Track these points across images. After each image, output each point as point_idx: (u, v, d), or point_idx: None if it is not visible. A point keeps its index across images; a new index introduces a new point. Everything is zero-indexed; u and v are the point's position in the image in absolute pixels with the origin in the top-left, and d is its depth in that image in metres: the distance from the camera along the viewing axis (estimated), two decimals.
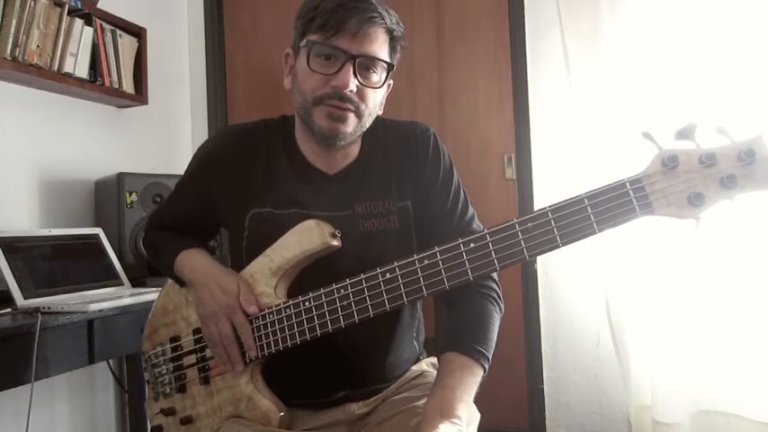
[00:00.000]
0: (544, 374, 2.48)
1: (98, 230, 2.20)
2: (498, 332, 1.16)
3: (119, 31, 2.46)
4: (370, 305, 1.05)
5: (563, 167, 2.43)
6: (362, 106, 1.13)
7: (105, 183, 2.39)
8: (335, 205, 1.19)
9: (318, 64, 1.11)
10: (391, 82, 1.21)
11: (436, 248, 1.02)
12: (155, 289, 1.95)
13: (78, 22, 2.25)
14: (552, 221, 0.94)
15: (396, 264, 1.04)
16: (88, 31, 2.30)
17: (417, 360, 1.33)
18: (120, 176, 2.30)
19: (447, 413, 1.02)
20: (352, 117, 1.13)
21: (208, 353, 1.21)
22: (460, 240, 1.01)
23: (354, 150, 1.23)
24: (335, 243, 1.11)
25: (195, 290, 1.20)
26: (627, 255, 2.16)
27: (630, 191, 0.90)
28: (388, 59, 1.14)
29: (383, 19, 1.11)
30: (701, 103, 2.04)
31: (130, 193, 2.30)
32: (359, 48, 1.09)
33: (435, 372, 1.26)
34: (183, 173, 1.35)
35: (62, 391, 2.32)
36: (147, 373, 1.29)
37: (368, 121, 1.17)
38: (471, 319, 1.16)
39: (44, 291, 1.86)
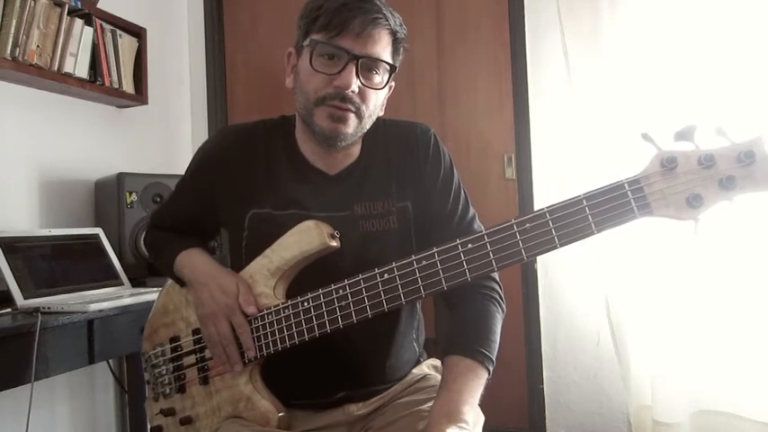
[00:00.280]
0: (544, 374, 2.48)
1: (98, 230, 2.20)
2: None
3: (119, 31, 2.46)
4: (368, 306, 1.05)
5: (563, 167, 2.43)
6: (363, 107, 1.13)
7: (105, 183, 2.39)
8: (335, 206, 1.19)
9: (321, 64, 1.11)
10: (393, 83, 1.21)
11: (434, 249, 1.02)
12: (155, 289, 1.95)
13: (78, 22, 2.25)
14: (550, 222, 0.94)
15: (394, 264, 1.04)
16: (88, 31, 2.30)
17: (418, 361, 1.32)
18: (120, 176, 2.30)
19: (454, 417, 1.02)
20: (352, 118, 1.12)
21: (207, 353, 1.21)
22: (458, 241, 1.00)
23: (355, 151, 1.23)
24: (334, 244, 1.11)
25: (195, 290, 1.21)
26: (627, 255, 2.16)
27: (629, 192, 0.90)
28: (390, 61, 1.14)
29: (387, 20, 1.11)
30: (701, 104, 2.04)
31: (130, 193, 2.30)
32: (362, 48, 1.09)
33: (438, 375, 1.26)
34: (183, 173, 1.35)
35: (62, 391, 2.32)
36: (148, 374, 1.29)
37: (368, 123, 1.17)
38: (474, 320, 1.16)
39: (44, 291, 1.86)
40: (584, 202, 0.93)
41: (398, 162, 1.23)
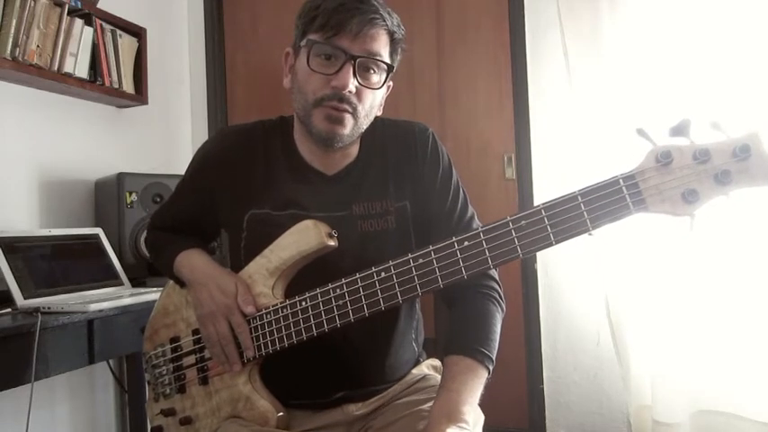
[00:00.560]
0: (544, 374, 2.48)
1: (98, 230, 2.20)
2: None
3: (119, 31, 2.46)
4: (366, 304, 1.05)
5: (563, 167, 2.43)
6: (360, 107, 1.13)
7: (105, 183, 2.39)
8: (333, 206, 1.19)
9: (318, 63, 1.11)
10: (390, 83, 1.21)
11: (430, 247, 1.02)
12: (155, 289, 1.95)
13: (78, 22, 2.25)
14: (546, 219, 0.94)
15: (391, 263, 1.04)
16: (88, 31, 2.30)
17: (417, 361, 1.32)
18: (120, 176, 2.30)
19: (454, 417, 1.02)
20: (349, 119, 1.12)
21: (206, 353, 1.21)
22: (455, 239, 1.00)
23: (353, 151, 1.23)
24: (332, 243, 1.11)
25: (194, 290, 1.21)
26: (627, 255, 2.16)
27: (624, 187, 0.90)
28: (388, 60, 1.14)
29: (384, 21, 1.11)
30: (701, 103, 2.04)
31: (130, 193, 2.30)
32: (359, 48, 1.09)
33: (437, 375, 1.27)
34: (183, 173, 1.35)
35: (62, 391, 2.33)
36: (148, 374, 1.30)
37: (365, 123, 1.17)
38: (473, 320, 1.16)
39: (44, 291, 1.87)
40: (580, 198, 0.92)
41: (396, 162, 1.23)
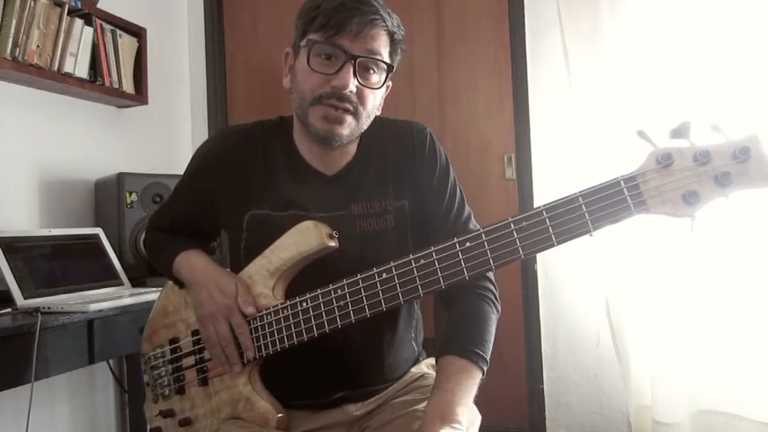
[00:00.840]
0: (544, 374, 2.48)
1: (98, 230, 2.20)
2: (498, 332, 1.16)
3: (119, 31, 2.46)
4: (367, 305, 1.05)
5: (563, 167, 2.43)
6: (360, 107, 1.13)
7: (105, 183, 2.39)
8: (332, 205, 1.19)
9: (318, 63, 1.11)
10: (390, 83, 1.21)
11: (432, 248, 1.02)
12: (155, 289, 1.95)
13: (78, 22, 2.25)
14: (547, 220, 0.94)
15: (392, 264, 1.04)
16: (88, 31, 2.30)
17: (417, 361, 1.32)
18: (120, 176, 2.30)
19: (447, 417, 1.01)
20: (349, 119, 1.12)
21: (206, 354, 1.20)
22: (456, 240, 1.00)
23: (352, 150, 1.23)
24: (332, 244, 1.11)
25: (193, 291, 1.21)
26: (627, 255, 2.16)
27: (625, 189, 0.90)
28: (388, 60, 1.14)
29: (385, 21, 1.11)
30: (701, 103, 2.04)
31: (130, 193, 2.30)
32: (360, 48, 1.09)
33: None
34: (182, 173, 1.34)
35: (62, 391, 2.33)
36: (147, 375, 1.29)
37: (365, 123, 1.17)
38: (468, 321, 1.16)
39: (44, 291, 1.86)
40: (581, 199, 0.93)
41: (395, 161, 1.23)
